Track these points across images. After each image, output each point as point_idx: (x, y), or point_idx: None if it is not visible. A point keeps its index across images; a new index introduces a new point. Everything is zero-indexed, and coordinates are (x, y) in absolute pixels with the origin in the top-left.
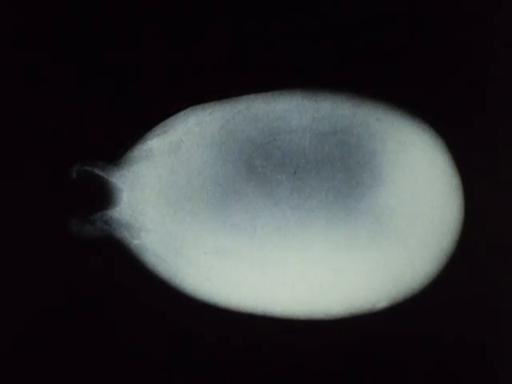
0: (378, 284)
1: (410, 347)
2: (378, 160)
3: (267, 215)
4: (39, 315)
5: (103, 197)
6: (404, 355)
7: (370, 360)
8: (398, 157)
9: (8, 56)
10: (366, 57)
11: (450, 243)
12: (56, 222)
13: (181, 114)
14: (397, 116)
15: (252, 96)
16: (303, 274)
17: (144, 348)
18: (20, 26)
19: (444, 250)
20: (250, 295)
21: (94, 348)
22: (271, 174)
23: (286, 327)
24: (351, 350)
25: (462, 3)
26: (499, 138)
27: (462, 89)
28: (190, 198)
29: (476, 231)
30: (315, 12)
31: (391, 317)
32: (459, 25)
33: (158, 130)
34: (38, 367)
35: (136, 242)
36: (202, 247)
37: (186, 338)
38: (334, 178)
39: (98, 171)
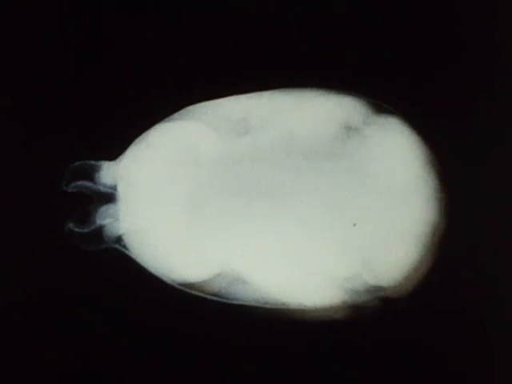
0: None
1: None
2: (359, 154)
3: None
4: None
5: (100, 195)
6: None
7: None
8: (377, 152)
9: (7, 55)
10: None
11: (430, 237)
12: (53, 223)
13: (179, 114)
14: (379, 115)
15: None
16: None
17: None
18: (21, 26)
19: (424, 241)
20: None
21: (95, 349)
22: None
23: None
24: (340, 348)
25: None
26: (481, 135)
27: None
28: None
29: (460, 225)
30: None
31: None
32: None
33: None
34: (39, 370)
35: (131, 238)
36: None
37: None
38: (317, 175)
39: (95, 169)
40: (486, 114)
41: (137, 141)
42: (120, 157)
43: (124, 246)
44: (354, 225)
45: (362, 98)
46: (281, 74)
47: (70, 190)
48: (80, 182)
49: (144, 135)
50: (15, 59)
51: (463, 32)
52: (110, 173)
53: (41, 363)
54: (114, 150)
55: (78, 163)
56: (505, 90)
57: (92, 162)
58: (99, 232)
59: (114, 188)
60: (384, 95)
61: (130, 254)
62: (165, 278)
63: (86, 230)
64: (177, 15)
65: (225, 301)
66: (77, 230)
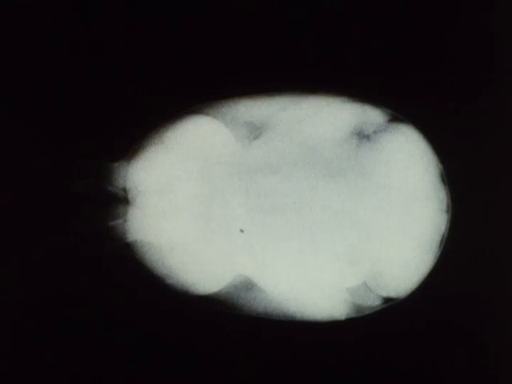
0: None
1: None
2: (366, 159)
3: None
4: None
5: (106, 195)
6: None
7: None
8: (384, 156)
9: (8, 55)
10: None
11: (438, 239)
12: (58, 222)
13: (180, 116)
14: (385, 118)
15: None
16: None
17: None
18: (21, 26)
19: (433, 244)
20: None
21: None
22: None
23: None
24: (346, 350)
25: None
26: (485, 136)
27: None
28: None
29: (464, 229)
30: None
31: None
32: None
33: (159, 129)
34: (39, 370)
35: (136, 238)
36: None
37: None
38: (322, 180)
39: (101, 169)
40: (498, 120)
41: (143, 140)
42: (127, 157)
43: (129, 247)
44: (352, 223)
45: (372, 104)
46: (292, 80)
47: (75, 190)
48: (86, 182)
49: (151, 135)
50: (15, 59)
51: (474, 37)
52: (117, 173)
53: (41, 363)
54: (121, 150)
55: (83, 163)
56: None
57: (99, 162)
58: (104, 232)
59: (120, 188)
60: (394, 102)
61: (135, 254)
62: (169, 280)
63: (90, 230)
64: (180, 15)
65: (226, 301)
66: (81, 230)
